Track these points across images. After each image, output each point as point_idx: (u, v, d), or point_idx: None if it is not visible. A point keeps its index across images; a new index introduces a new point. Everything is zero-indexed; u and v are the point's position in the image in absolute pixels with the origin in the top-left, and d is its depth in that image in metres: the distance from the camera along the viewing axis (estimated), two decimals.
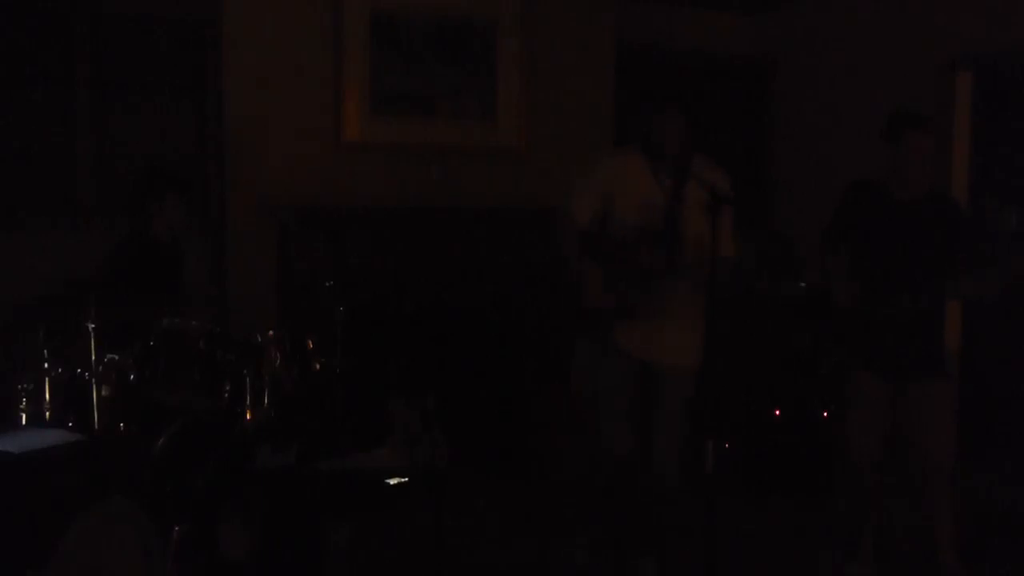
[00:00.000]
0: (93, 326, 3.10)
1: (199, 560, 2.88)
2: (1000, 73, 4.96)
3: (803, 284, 5.08)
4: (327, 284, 3.98)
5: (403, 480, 3.24)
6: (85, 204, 4.72)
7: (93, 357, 3.10)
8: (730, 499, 4.25)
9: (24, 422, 3.14)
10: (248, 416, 3.25)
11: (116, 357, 3.16)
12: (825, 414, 4.72)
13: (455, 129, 5.29)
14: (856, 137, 3.82)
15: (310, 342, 3.59)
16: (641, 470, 3.57)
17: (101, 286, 3.33)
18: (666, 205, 3.37)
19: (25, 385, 3.16)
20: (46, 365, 3.17)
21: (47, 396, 3.17)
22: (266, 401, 3.29)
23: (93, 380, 3.10)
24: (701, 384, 3.50)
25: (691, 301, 3.39)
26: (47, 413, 3.17)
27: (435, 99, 5.25)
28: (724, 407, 4.55)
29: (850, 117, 5.52)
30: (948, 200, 3.61)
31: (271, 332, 3.39)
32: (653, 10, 5.99)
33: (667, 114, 3.41)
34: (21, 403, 3.14)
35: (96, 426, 3.10)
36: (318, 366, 3.59)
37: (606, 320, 3.45)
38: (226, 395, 3.29)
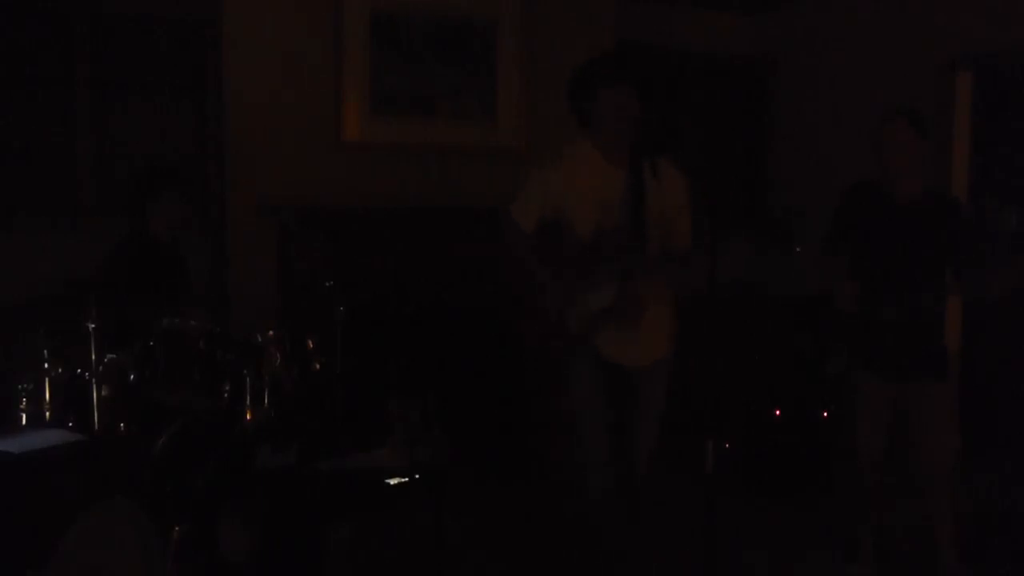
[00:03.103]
0: (93, 326, 3.10)
1: (199, 560, 2.88)
2: (1000, 73, 4.96)
3: (803, 284, 5.08)
4: (327, 284, 3.98)
5: (403, 480, 3.24)
6: (85, 204, 4.72)
7: (93, 357, 3.09)
8: (730, 499, 4.26)
9: (24, 422, 3.13)
10: (248, 416, 3.24)
11: (116, 357, 3.15)
12: (825, 414, 4.72)
13: (455, 129, 5.29)
14: (856, 137, 3.83)
15: (310, 342, 3.59)
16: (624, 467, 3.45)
17: (101, 286, 3.33)
18: (625, 197, 3.17)
19: (25, 385, 3.15)
20: (46, 365, 3.17)
21: (47, 396, 3.17)
22: (266, 401, 3.29)
23: (93, 380, 3.10)
24: (701, 384, 3.47)
25: (661, 296, 3.33)
26: (47, 413, 3.17)
27: (435, 99, 5.25)
28: (724, 407, 4.55)
29: (850, 117, 5.52)
30: (948, 200, 3.61)
31: (271, 332, 3.38)
32: (653, 10, 5.99)
33: (615, 90, 3.17)
34: (21, 403, 3.14)
35: (96, 426, 3.10)
36: (318, 366, 3.58)
37: (582, 325, 3.29)
38: (226, 395, 3.29)
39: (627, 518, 3.52)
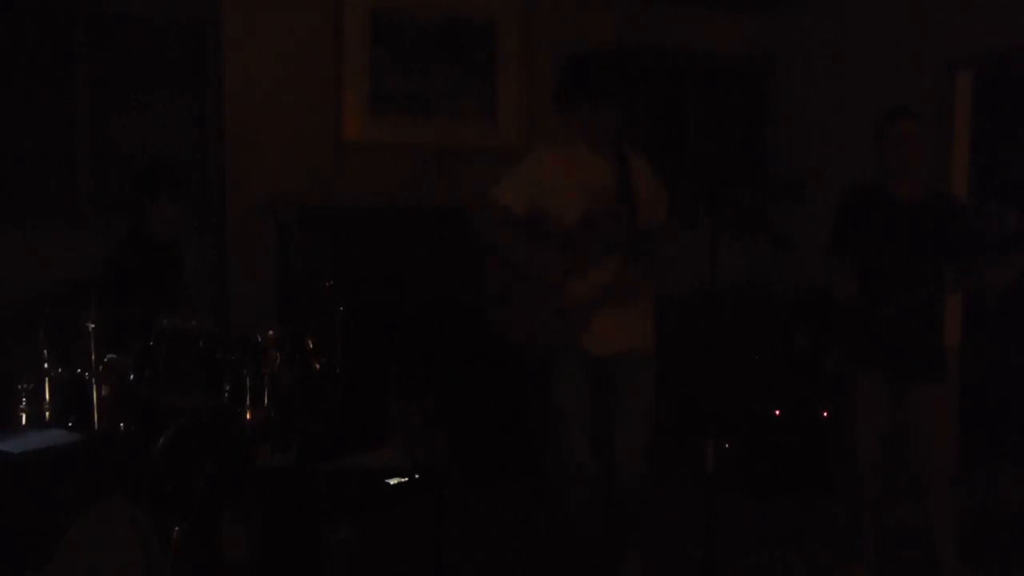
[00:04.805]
0: (93, 326, 3.10)
1: (199, 560, 2.88)
2: (1000, 73, 4.97)
3: (802, 283, 5.08)
4: (327, 284, 3.98)
5: (403, 480, 3.24)
6: (85, 204, 4.72)
7: (93, 357, 3.09)
8: (730, 499, 4.26)
9: (24, 422, 3.13)
10: (248, 416, 3.25)
11: (116, 357, 3.15)
12: (825, 414, 4.72)
13: (455, 129, 5.28)
14: (855, 137, 3.84)
15: (310, 342, 3.59)
16: (606, 476, 3.42)
17: (101, 286, 3.33)
18: (615, 184, 3.30)
19: (25, 385, 3.15)
20: (46, 365, 3.16)
21: (47, 396, 3.17)
22: (266, 401, 3.29)
23: (93, 380, 3.10)
24: (700, 384, 3.48)
25: (645, 285, 3.38)
26: (47, 413, 3.16)
27: (435, 99, 5.25)
28: (724, 407, 4.55)
29: (849, 117, 5.52)
30: (948, 200, 3.61)
31: (271, 332, 3.38)
32: (653, 10, 5.99)
33: (603, 111, 3.30)
34: (21, 403, 3.14)
35: (96, 426, 3.10)
36: (318, 366, 3.58)
37: (569, 318, 3.30)
38: (226, 395, 3.29)
39: (613, 524, 3.51)
